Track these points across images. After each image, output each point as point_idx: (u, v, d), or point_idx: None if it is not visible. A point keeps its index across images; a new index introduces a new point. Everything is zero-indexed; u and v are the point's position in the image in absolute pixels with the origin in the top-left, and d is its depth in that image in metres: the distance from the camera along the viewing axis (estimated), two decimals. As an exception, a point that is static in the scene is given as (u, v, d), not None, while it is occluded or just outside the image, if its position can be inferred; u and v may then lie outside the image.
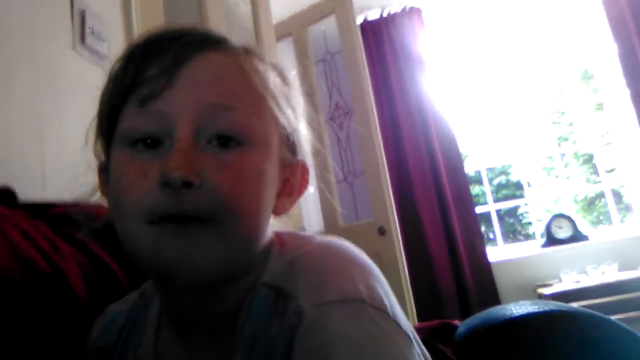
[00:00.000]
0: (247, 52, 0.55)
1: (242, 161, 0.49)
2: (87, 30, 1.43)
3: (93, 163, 0.58)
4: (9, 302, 0.53)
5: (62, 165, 1.20)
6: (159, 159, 0.47)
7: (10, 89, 1.11)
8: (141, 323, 0.58)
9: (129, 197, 0.47)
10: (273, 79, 0.55)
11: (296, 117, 0.58)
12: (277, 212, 0.56)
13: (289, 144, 0.56)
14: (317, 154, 0.62)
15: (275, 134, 0.54)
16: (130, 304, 0.62)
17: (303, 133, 0.59)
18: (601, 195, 4.32)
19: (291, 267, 0.49)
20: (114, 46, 1.56)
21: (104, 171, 0.56)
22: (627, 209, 4.13)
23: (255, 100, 0.52)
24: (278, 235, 0.57)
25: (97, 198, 0.58)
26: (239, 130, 0.49)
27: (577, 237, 3.66)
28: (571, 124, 4.68)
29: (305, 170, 0.59)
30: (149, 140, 0.48)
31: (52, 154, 1.18)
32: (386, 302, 0.46)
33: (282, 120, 0.55)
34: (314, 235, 0.55)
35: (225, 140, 0.48)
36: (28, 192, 0.88)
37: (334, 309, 0.44)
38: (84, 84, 1.38)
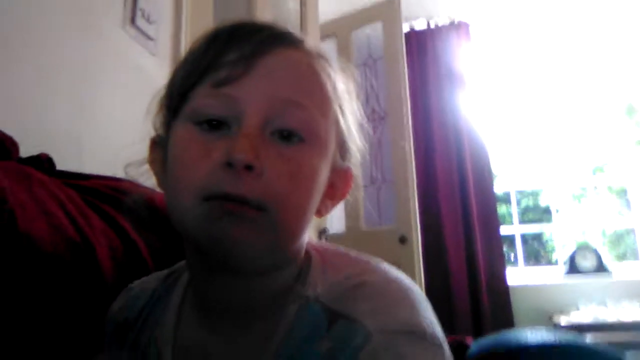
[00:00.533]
0: (320, 55, 0.57)
1: (301, 157, 0.50)
2: (138, 11, 1.46)
3: (137, 138, 0.60)
4: (39, 265, 0.54)
5: (100, 140, 1.23)
6: (224, 140, 0.48)
7: (59, 60, 1.14)
8: (163, 303, 0.59)
9: (190, 172, 0.49)
10: (340, 84, 0.58)
11: (352, 124, 0.59)
12: (319, 213, 0.58)
13: (343, 149, 0.58)
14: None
15: (334, 137, 0.56)
16: (155, 283, 0.63)
17: (355, 140, 0.60)
18: (631, 231, 4.22)
19: (353, 292, 0.50)
20: (162, 30, 1.59)
21: (157, 144, 0.58)
22: (656, 248, 4.03)
23: (324, 101, 0.54)
24: (315, 247, 0.58)
25: (134, 175, 0.60)
26: (304, 128, 0.51)
27: (600, 269, 3.59)
28: (608, 156, 4.59)
29: (350, 177, 0.60)
30: (214, 122, 0.50)
31: (91, 127, 1.21)
32: (442, 337, 0.49)
33: (342, 125, 0.57)
34: (365, 259, 0.56)
35: (288, 135, 0.50)
36: (65, 161, 0.91)
37: (402, 338, 0.46)
38: (129, 64, 1.41)
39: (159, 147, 0.57)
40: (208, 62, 0.51)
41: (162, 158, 0.56)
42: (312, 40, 0.57)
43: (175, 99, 0.54)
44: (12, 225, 0.55)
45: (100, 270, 0.63)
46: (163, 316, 0.58)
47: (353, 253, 0.58)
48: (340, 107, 0.56)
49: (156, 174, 0.58)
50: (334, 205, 0.60)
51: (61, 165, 0.88)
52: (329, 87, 0.55)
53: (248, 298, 0.54)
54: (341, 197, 0.60)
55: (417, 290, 0.52)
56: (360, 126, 0.62)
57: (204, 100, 0.51)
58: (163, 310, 0.59)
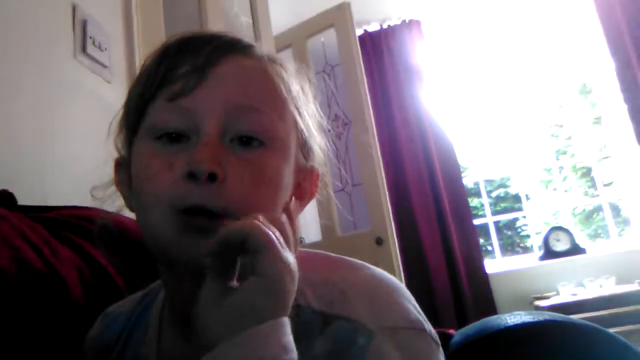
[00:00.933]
0: (272, 59, 0.58)
1: (262, 160, 0.51)
2: (89, 39, 1.44)
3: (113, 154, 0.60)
4: (5, 301, 0.53)
5: (61, 169, 1.21)
6: (184, 152, 0.49)
7: (13, 94, 1.12)
8: (143, 323, 0.59)
9: (154, 188, 0.49)
10: (295, 86, 0.58)
11: (311, 124, 0.60)
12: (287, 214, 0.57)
13: (305, 149, 0.59)
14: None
15: (294, 138, 0.56)
16: (131, 305, 0.62)
17: (317, 140, 0.61)
18: (599, 208, 4.33)
19: (345, 294, 0.50)
20: (115, 56, 1.57)
21: (121, 165, 0.58)
22: (625, 222, 4.13)
23: (279, 104, 0.55)
24: (301, 253, 0.58)
25: (100, 197, 0.59)
26: (262, 131, 0.51)
27: (575, 250, 3.67)
28: (569, 138, 4.71)
29: (316, 176, 0.61)
30: (174, 135, 0.50)
31: (51, 159, 1.19)
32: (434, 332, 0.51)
33: (301, 125, 0.57)
34: (347, 260, 0.56)
35: (247, 140, 0.51)
36: (27, 195, 0.89)
37: (405, 334, 0.48)
38: (84, 92, 1.39)
39: (123, 167, 0.57)
40: (161, 77, 0.52)
41: (128, 178, 0.56)
42: (263, 46, 0.58)
43: (133, 117, 0.54)
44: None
45: (71, 299, 0.62)
46: (145, 334, 0.58)
47: (332, 255, 0.58)
48: (297, 108, 0.57)
49: (123, 194, 0.58)
50: (303, 206, 0.60)
51: (23, 199, 0.87)
52: (284, 90, 0.55)
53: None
54: (310, 197, 0.60)
55: (403, 286, 0.53)
56: (321, 126, 0.62)
57: (160, 115, 0.51)
58: (144, 329, 0.58)
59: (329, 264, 0.56)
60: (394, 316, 0.49)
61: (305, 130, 0.58)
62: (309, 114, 0.60)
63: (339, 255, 0.57)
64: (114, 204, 0.61)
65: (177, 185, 0.48)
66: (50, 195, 1.12)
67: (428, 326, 0.50)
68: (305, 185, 0.59)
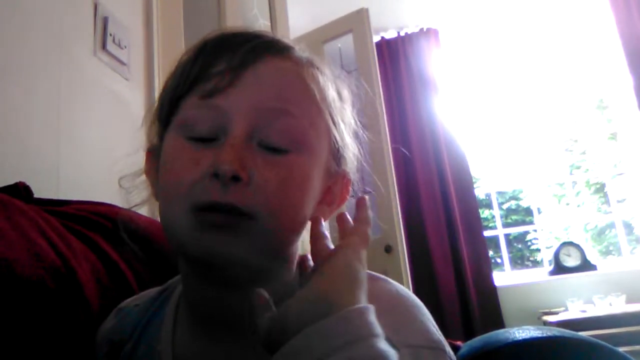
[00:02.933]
0: (310, 63, 0.57)
1: (290, 163, 0.50)
2: (109, 37, 1.46)
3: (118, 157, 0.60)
4: (19, 293, 0.54)
5: (77, 165, 1.22)
6: (211, 150, 0.49)
7: (33, 88, 1.14)
8: (158, 319, 0.59)
9: (178, 183, 0.49)
10: (331, 92, 0.57)
11: (346, 130, 0.59)
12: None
13: (337, 156, 0.58)
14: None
15: (326, 145, 0.56)
16: (146, 300, 0.63)
17: (350, 147, 0.60)
18: (612, 225, 4.28)
19: None
20: (134, 54, 1.59)
21: (152, 154, 0.58)
22: (638, 240, 4.09)
23: (312, 110, 0.54)
24: (304, 257, 0.58)
25: (127, 188, 0.60)
26: (292, 136, 0.51)
27: (585, 266, 3.63)
28: (584, 153, 4.67)
29: (347, 181, 0.61)
30: (204, 133, 0.50)
31: (67, 154, 1.20)
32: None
33: (334, 133, 0.56)
34: (370, 273, 0.55)
35: (277, 143, 0.50)
36: (42, 189, 0.90)
37: (428, 353, 0.48)
38: (102, 89, 1.41)
39: (154, 157, 0.57)
40: (196, 73, 0.52)
41: (157, 168, 0.56)
42: (302, 48, 0.57)
43: (166, 110, 0.55)
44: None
45: (83, 293, 0.62)
46: (159, 330, 0.58)
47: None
48: (332, 116, 0.56)
49: (152, 183, 0.59)
50: (332, 211, 0.59)
51: (39, 192, 0.87)
52: (318, 96, 0.54)
53: (244, 307, 0.52)
54: (340, 202, 0.60)
55: (422, 304, 0.53)
56: (356, 133, 0.62)
57: (192, 112, 0.51)
58: (158, 325, 0.58)
59: None
60: (416, 335, 0.49)
61: (338, 138, 0.57)
62: (344, 121, 0.59)
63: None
64: (140, 194, 0.61)
65: (201, 183, 0.48)
66: (64, 189, 1.13)
67: (448, 348, 0.50)
68: (335, 190, 0.59)
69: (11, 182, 0.83)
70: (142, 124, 0.60)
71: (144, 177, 0.60)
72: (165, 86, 0.57)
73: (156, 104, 0.58)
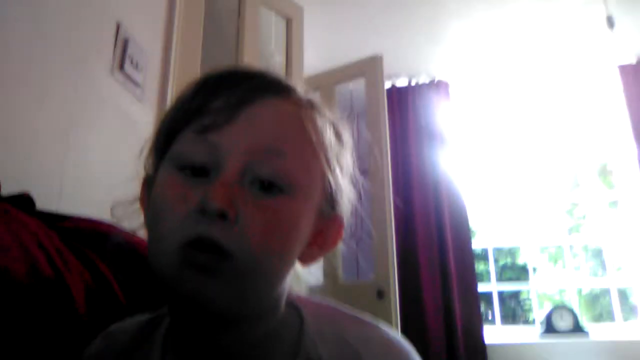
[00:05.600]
0: (311, 105, 0.57)
1: (279, 207, 0.50)
2: (127, 58, 1.49)
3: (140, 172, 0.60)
4: (11, 303, 0.54)
5: (81, 180, 1.23)
6: (202, 187, 0.48)
7: (45, 100, 1.16)
8: (146, 348, 0.58)
9: (166, 218, 0.49)
10: (329, 136, 0.57)
11: (342, 175, 0.59)
12: (305, 260, 0.57)
13: (331, 200, 0.57)
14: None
15: (319, 189, 0.55)
16: (135, 327, 0.62)
17: (346, 191, 0.60)
18: (606, 292, 4.25)
19: (342, 347, 0.51)
20: (149, 77, 1.62)
21: (148, 184, 0.58)
22: (632, 310, 4.05)
23: (307, 152, 0.54)
24: (305, 300, 0.58)
25: (120, 216, 0.60)
26: (284, 178, 0.50)
27: (577, 330, 3.59)
28: (583, 217, 4.67)
29: (340, 225, 0.60)
30: (197, 168, 0.50)
31: (72, 169, 1.21)
32: None
33: (329, 176, 0.56)
34: (361, 317, 0.56)
35: (268, 185, 0.50)
36: (44, 201, 0.91)
37: None
38: (115, 109, 1.43)
39: (149, 187, 0.57)
40: (195, 108, 0.52)
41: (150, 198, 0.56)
42: (303, 89, 0.58)
43: (162, 141, 0.55)
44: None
45: (74, 308, 0.62)
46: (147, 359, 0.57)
47: (346, 310, 0.58)
48: (327, 160, 0.56)
49: (145, 212, 0.58)
50: (322, 253, 0.59)
51: (41, 204, 0.88)
52: (315, 138, 0.54)
53: (230, 346, 0.53)
54: (331, 245, 0.59)
55: (414, 351, 0.54)
56: (353, 178, 0.62)
57: (186, 146, 0.51)
58: (147, 354, 0.57)
59: (343, 320, 0.56)
60: None
61: (333, 183, 0.56)
62: (341, 165, 0.58)
63: (352, 312, 0.57)
64: (131, 223, 0.61)
65: (188, 218, 0.47)
66: (66, 203, 1.13)
67: None
68: (327, 233, 0.58)
69: (15, 191, 0.84)
70: (140, 153, 0.60)
71: (138, 205, 0.60)
72: (163, 118, 0.57)
73: (154, 135, 0.58)
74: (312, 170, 0.54)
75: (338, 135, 0.59)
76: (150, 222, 0.52)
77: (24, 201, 0.79)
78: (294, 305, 0.57)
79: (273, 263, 0.50)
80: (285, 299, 0.57)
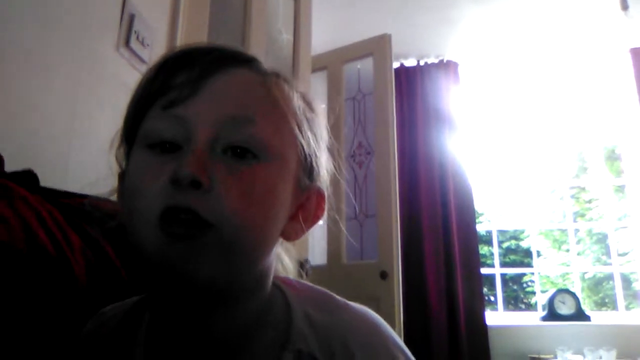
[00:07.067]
0: (276, 74, 0.56)
1: (254, 173, 0.49)
2: (133, 34, 1.48)
3: (114, 166, 0.59)
4: (13, 280, 0.54)
5: (87, 159, 1.23)
6: (174, 161, 0.48)
7: (51, 77, 1.15)
8: (130, 336, 0.57)
9: (142, 195, 0.48)
10: (297, 101, 0.56)
11: (317, 142, 0.58)
12: (289, 237, 0.56)
13: (307, 168, 0.56)
14: (334, 187, 0.62)
15: (293, 154, 0.54)
16: (123, 311, 0.61)
17: (323, 160, 0.59)
18: (610, 277, 4.25)
19: (346, 349, 0.51)
20: (155, 54, 1.60)
21: (123, 177, 0.57)
22: (635, 296, 4.06)
23: (275, 116, 0.53)
24: (289, 281, 0.58)
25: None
26: (255, 144, 0.50)
27: (579, 315, 3.61)
28: (589, 201, 4.66)
29: (321, 197, 0.59)
30: (167, 145, 0.50)
31: (78, 147, 1.21)
32: None
33: (302, 140, 0.55)
34: (353, 307, 0.56)
35: (241, 152, 0.49)
36: (50, 179, 0.91)
37: None
38: (120, 85, 1.42)
39: (125, 179, 0.56)
40: (158, 86, 0.52)
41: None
42: (300, 64, 0.57)
43: (130, 125, 0.54)
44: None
45: (76, 287, 0.62)
46: (134, 341, 0.56)
47: (337, 297, 0.57)
48: (298, 124, 0.55)
49: (121, 207, 0.57)
50: (305, 228, 0.57)
51: (46, 182, 0.88)
52: (282, 103, 0.54)
53: (213, 333, 0.52)
54: (314, 220, 0.59)
55: (398, 339, 0.54)
56: (330, 149, 0.61)
57: (154, 123, 0.51)
58: (130, 344, 0.56)
59: (333, 308, 0.55)
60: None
61: (307, 148, 0.56)
62: (314, 134, 0.57)
63: (343, 299, 0.57)
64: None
65: (163, 191, 0.47)
66: (72, 181, 1.13)
67: None
68: (309, 206, 0.57)
69: (19, 168, 0.83)
70: (110, 147, 0.59)
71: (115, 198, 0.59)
72: (129, 104, 0.56)
73: (122, 125, 0.57)
74: (283, 135, 0.53)
75: (308, 104, 0.58)
76: (129, 203, 0.51)
77: (27, 178, 0.79)
78: (279, 287, 0.56)
79: (254, 231, 0.49)
80: (271, 281, 0.56)
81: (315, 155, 0.57)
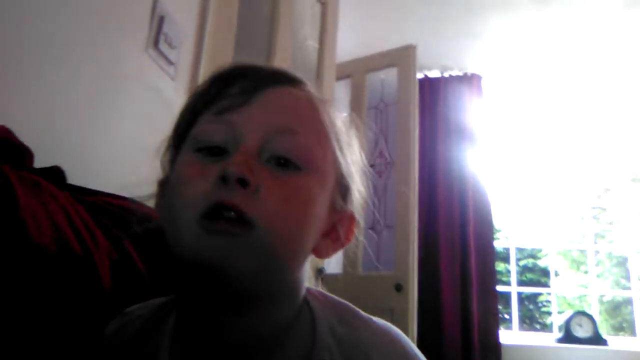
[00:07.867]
0: (321, 97, 0.59)
1: (296, 182, 0.51)
2: (162, 35, 1.48)
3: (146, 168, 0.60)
4: (41, 278, 0.54)
5: (111, 157, 1.23)
6: (221, 163, 0.49)
7: (79, 76, 1.15)
8: (155, 337, 0.57)
9: (186, 194, 0.49)
10: (339, 124, 0.59)
11: (353, 166, 0.60)
12: (319, 253, 0.57)
13: (342, 189, 0.58)
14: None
15: (332, 172, 0.56)
16: (149, 311, 0.61)
17: (356, 182, 0.60)
18: (629, 301, 4.17)
19: (354, 352, 0.52)
20: (183, 56, 1.61)
21: (163, 184, 0.58)
22: (653, 321, 3.98)
23: (320, 132, 0.56)
24: (314, 293, 0.58)
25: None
26: (299, 155, 0.52)
27: (596, 339, 3.54)
28: (611, 223, 4.58)
29: (353, 222, 0.60)
30: (215, 149, 0.51)
31: (101, 143, 1.21)
32: None
33: (340, 160, 0.57)
34: (377, 323, 0.56)
35: (284, 162, 0.51)
36: (74, 176, 0.91)
37: None
38: (148, 87, 1.42)
39: (164, 190, 0.58)
40: (212, 95, 0.54)
41: (164, 198, 0.57)
42: (325, 71, 0.59)
43: (181, 130, 0.56)
44: (24, 235, 0.55)
45: (101, 287, 0.62)
46: (158, 343, 0.56)
47: (361, 312, 0.57)
48: (339, 143, 0.57)
49: (160, 210, 0.59)
50: (336, 248, 0.59)
51: (72, 180, 0.88)
52: (327, 121, 0.56)
53: (239, 338, 0.52)
54: (344, 242, 0.60)
55: (416, 350, 0.55)
56: (364, 172, 0.62)
57: (205, 126, 0.53)
58: (155, 346, 0.56)
59: (357, 322, 0.56)
60: None
61: (344, 167, 0.58)
62: (351, 157, 0.60)
63: (367, 314, 0.57)
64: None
65: (209, 188, 0.48)
66: (94, 178, 1.13)
67: None
68: (340, 229, 0.59)
69: (42, 164, 0.83)
70: (157, 151, 0.61)
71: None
72: (180, 114, 0.58)
73: (171, 132, 0.59)
74: (325, 151, 0.55)
75: (349, 129, 0.61)
76: (171, 203, 0.52)
77: (55, 174, 0.79)
78: (304, 297, 0.57)
79: (291, 239, 0.50)
80: (302, 295, 0.56)
81: (351, 177, 0.59)
